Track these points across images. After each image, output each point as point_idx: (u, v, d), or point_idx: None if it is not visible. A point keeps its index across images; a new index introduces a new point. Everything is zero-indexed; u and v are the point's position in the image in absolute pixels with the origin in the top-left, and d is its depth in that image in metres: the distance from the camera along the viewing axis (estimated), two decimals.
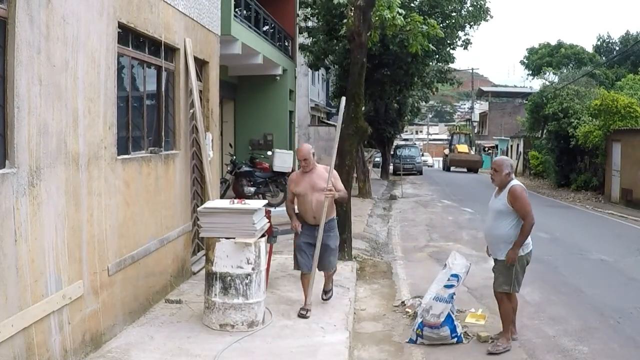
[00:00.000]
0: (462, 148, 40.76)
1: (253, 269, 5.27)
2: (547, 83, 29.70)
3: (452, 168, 39.75)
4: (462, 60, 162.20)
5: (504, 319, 5.32)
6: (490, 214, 5.33)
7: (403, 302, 6.71)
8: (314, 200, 5.74)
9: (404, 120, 30.62)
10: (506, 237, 5.13)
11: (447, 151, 43.52)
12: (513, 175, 5.25)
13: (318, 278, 6.11)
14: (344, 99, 5.53)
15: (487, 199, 5.54)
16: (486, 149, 47.45)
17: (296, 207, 6.02)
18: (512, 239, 5.09)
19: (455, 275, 5.50)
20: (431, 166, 50.32)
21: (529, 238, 5.18)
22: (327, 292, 6.34)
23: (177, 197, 6.71)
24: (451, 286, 5.45)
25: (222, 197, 10.60)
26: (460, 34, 20.14)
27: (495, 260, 5.33)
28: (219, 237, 5.29)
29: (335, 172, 5.97)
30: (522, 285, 7.62)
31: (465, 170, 38.93)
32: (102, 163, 4.78)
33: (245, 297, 5.25)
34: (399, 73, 19.24)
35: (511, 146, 38.90)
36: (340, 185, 5.97)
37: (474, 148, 45.32)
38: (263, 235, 5.57)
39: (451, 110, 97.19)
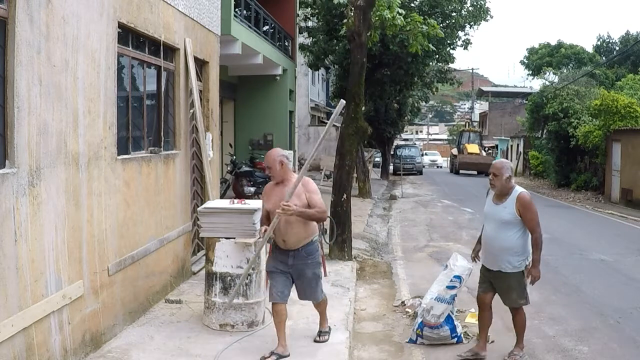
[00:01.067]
0: (473, 148, 35.21)
1: (253, 269, 5.27)
2: (547, 83, 29.67)
3: (462, 171, 34.45)
4: (462, 60, 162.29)
5: (519, 330, 5.06)
6: (493, 223, 4.84)
7: (403, 302, 6.71)
8: (282, 219, 4.58)
9: (404, 120, 30.59)
10: (514, 248, 4.75)
11: (455, 151, 37.92)
12: (513, 180, 4.87)
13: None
14: (342, 101, 4.73)
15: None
16: (486, 149, 46.64)
17: None
18: (519, 250, 4.75)
19: (458, 277, 5.50)
20: (440, 167, 47.11)
21: (529, 247, 4.83)
22: (321, 334, 5.16)
23: (177, 197, 6.71)
24: (453, 287, 5.45)
25: (222, 197, 10.60)
26: (460, 34, 20.13)
27: (499, 272, 4.86)
28: (219, 237, 5.29)
29: (312, 185, 4.73)
30: None
31: (475, 173, 33.67)
32: (102, 163, 4.78)
33: (245, 297, 5.25)
34: (399, 73, 19.23)
35: (511, 146, 38.88)
36: (317, 201, 4.63)
37: (485, 149, 40.81)
38: None
39: (451, 110, 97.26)
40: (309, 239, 4.77)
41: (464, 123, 66.49)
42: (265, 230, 4.66)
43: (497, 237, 4.79)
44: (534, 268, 4.76)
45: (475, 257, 5.30)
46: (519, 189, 4.77)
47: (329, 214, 4.91)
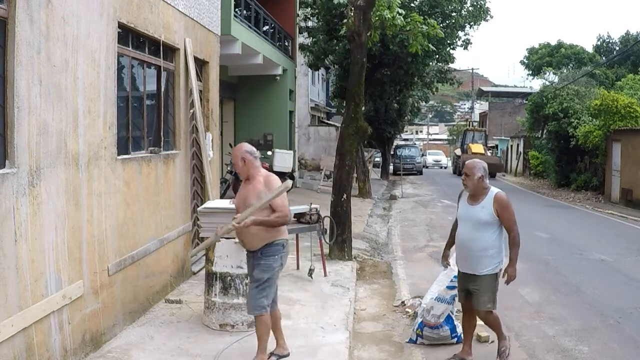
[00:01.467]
0: (477, 148, 32.84)
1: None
2: (547, 83, 29.67)
3: None
4: (462, 60, 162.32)
5: (496, 329, 4.91)
6: (468, 223, 4.70)
7: (403, 302, 6.71)
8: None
9: (404, 120, 30.60)
10: (489, 249, 4.61)
11: (458, 152, 36.05)
12: (487, 180, 4.72)
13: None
14: (287, 183, 4.41)
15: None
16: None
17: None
18: (493, 251, 4.62)
19: None
20: (445, 167, 44.81)
21: (504, 248, 4.73)
22: None
23: (177, 197, 6.71)
24: (454, 287, 5.44)
25: (222, 197, 10.60)
26: (460, 34, 20.14)
27: (473, 275, 4.71)
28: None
29: (276, 182, 4.43)
30: (522, 285, 7.71)
31: None
32: (102, 163, 4.78)
33: (245, 297, 5.25)
34: (399, 73, 19.24)
35: (511, 146, 38.86)
36: (279, 204, 4.35)
37: (492, 150, 38.77)
38: None
39: (451, 110, 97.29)
40: (269, 241, 4.41)
41: (464, 122, 66.44)
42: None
43: (474, 238, 4.64)
44: (510, 267, 4.67)
45: (446, 262, 5.19)
46: (494, 189, 4.68)
47: (292, 217, 4.52)
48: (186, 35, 6.95)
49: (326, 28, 18.21)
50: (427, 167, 42.31)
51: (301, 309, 5.99)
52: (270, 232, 4.43)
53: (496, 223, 4.63)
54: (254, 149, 4.58)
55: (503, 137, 42.49)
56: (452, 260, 5.76)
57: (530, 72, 42.90)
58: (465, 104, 79.03)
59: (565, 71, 33.33)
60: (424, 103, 35.96)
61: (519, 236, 4.66)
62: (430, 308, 5.41)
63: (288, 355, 4.68)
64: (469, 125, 45.83)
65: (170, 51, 6.69)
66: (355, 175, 14.75)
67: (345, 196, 8.66)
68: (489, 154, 33.78)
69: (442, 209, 16.82)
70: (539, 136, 30.26)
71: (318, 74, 31.40)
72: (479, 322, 6.00)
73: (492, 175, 30.84)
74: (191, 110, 7.20)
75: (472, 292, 4.78)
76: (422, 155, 44.41)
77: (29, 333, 3.77)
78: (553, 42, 43.14)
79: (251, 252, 4.49)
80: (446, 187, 24.91)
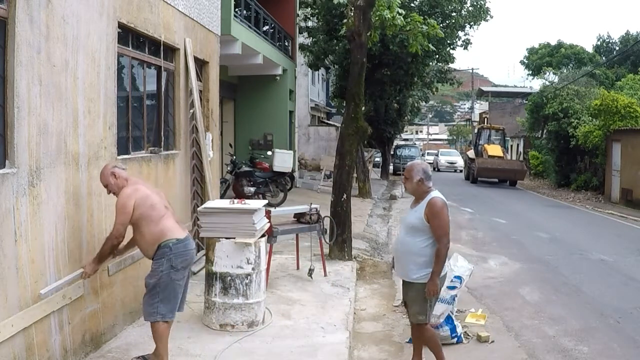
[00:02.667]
0: (495, 150, 27.01)
1: (253, 269, 5.27)
2: (547, 83, 29.69)
3: (481, 178, 26.35)
4: (462, 60, 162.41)
5: (433, 349, 4.57)
6: (403, 227, 4.55)
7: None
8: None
9: (404, 120, 30.57)
10: (417, 256, 4.32)
11: (471, 154, 29.11)
12: (430, 183, 4.46)
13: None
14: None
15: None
16: None
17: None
18: (424, 259, 4.29)
19: (458, 277, 5.50)
20: (461, 171, 35.04)
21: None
22: None
23: (177, 197, 6.71)
24: (453, 287, 5.45)
25: (222, 197, 10.60)
26: (460, 34, 20.15)
27: (404, 282, 4.52)
28: (219, 237, 5.29)
29: (120, 201, 4.17)
30: (522, 285, 7.71)
31: (496, 181, 26.64)
32: (102, 163, 4.77)
33: (245, 297, 5.25)
34: (399, 73, 19.24)
35: (511, 146, 38.87)
36: (115, 222, 4.18)
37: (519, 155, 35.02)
38: (263, 235, 5.57)
39: (451, 110, 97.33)
40: (155, 245, 4.23)
41: (464, 122, 66.40)
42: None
43: (403, 242, 4.46)
44: (430, 281, 4.25)
45: (392, 266, 5.02)
46: (433, 194, 4.39)
47: (119, 233, 4.12)
48: (186, 35, 6.95)
49: (326, 28, 18.21)
50: (439, 170, 37.03)
51: (301, 309, 5.98)
52: (143, 242, 4.27)
53: (428, 230, 4.30)
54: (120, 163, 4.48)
55: None
56: (452, 260, 5.77)
57: (530, 72, 42.94)
58: (465, 104, 79.03)
59: (565, 71, 33.35)
60: (424, 103, 35.95)
61: (446, 250, 4.28)
62: None
63: None
64: (484, 123, 39.55)
65: (170, 51, 6.69)
66: (355, 175, 14.75)
67: (345, 196, 8.66)
68: (508, 157, 29.10)
69: None
70: (539, 136, 30.26)
71: (318, 74, 31.41)
72: (479, 322, 6.03)
73: (512, 183, 25.81)
74: (191, 110, 7.20)
75: (406, 301, 4.56)
76: (434, 155, 43.17)
77: (29, 333, 3.77)
78: (553, 42, 43.22)
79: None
80: (446, 187, 24.86)
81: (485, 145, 27.60)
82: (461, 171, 34.04)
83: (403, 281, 4.55)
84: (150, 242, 4.25)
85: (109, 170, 4.30)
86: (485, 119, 52.01)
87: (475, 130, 33.82)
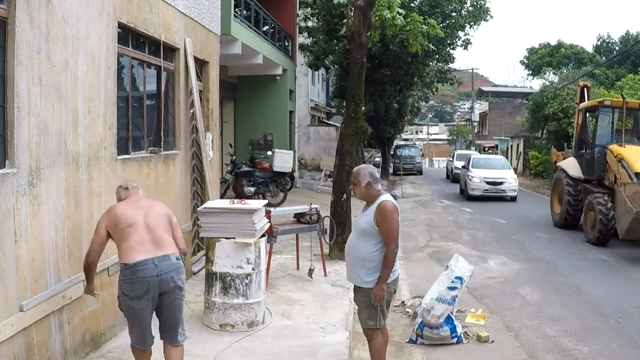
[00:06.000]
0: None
1: (253, 269, 5.27)
2: (547, 83, 29.70)
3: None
4: (462, 60, 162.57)
5: (375, 357, 4.35)
6: (354, 231, 4.41)
7: (403, 302, 6.71)
8: None
9: (404, 120, 30.61)
10: (366, 261, 4.16)
11: (572, 168, 12.88)
12: (380, 186, 4.30)
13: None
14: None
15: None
16: (486, 149, 46.20)
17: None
18: (373, 264, 4.14)
19: (459, 278, 5.51)
20: (512, 197, 18.73)
21: (396, 263, 4.25)
22: None
23: (177, 197, 6.71)
24: (454, 288, 5.46)
25: (222, 197, 10.60)
26: (460, 34, 20.18)
27: (355, 287, 4.35)
28: (219, 237, 5.29)
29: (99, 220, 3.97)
30: (522, 285, 7.71)
31: None
32: (102, 163, 4.78)
33: (245, 297, 5.25)
34: (399, 73, 19.25)
35: (511, 146, 38.88)
36: (92, 238, 3.92)
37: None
38: (263, 235, 5.57)
39: (451, 110, 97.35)
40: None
41: (464, 123, 66.34)
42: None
43: (353, 246, 4.30)
44: (377, 285, 4.10)
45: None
46: (383, 197, 4.22)
47: (92, 259, 3.83)
48: (186, 35, 6.95)
49: (326, 28, 18.23)
50: (473, 194, 18.58)
51: (301, 309, 5.98)
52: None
53: (377, 235, 4.16)
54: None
55: (503, 137, 42.50)
56: (452, 260, 5.77)
57: (530, 72, 42.94)
58: (465, 104, 79.03)
59: (565, 71, 33.36)
60: (424, 103, 35.96)
61: (394, 255, 4.13)
62: (430, 308, 5.42)
63: None
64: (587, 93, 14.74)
65: (170, 51, 6.69)
66: None
67: (345, 196, 8.66)
68: None
69: (442, 209, 16.81)
70: (539, 136, 30.27)
71: (318, 74, 31.40)
72: (479, 322, 6.03)
73: None
74: (191, 110, 7.20)
75: (357, 305, 4.42)
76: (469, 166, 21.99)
77: (29, 333, 3.77)
78: (553, 42, 43.22)
79: None
80: (446, 188, 24.90)
81: (618, 149, 11.48)
82: (513, 197, 18.56)
83: (354, 286, 4.37)
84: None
85: (116, 189, 4.19)
86: (485, 120, 51.53)
87: (581, 112, 13.50)
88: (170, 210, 4.10)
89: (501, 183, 18.56)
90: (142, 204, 3.98)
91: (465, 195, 19.11)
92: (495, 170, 19.36)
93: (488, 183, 18.46)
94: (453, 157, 29.10)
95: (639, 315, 6.42)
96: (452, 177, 27.20)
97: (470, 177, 18.89)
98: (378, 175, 4.35)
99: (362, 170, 4.28)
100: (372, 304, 4.15)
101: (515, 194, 18.65)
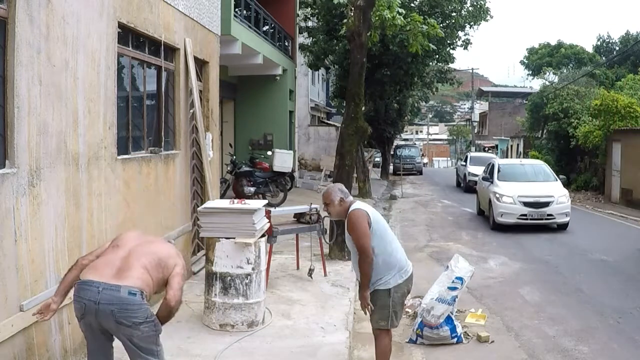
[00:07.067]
0: None
1: (253, 269, 5.27)
2: (547, 83, 29.71)
3: None
4: (462, 60, 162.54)
5: (380, 358, 4.34)
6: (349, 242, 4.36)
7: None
8: None
9: (404, 120, 30.61)
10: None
11: None
12: (351, 198, 4.32)
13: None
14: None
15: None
16: (486, 149, 46.06)
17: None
18: (375, 268, 4.13)
19: (460, 278, 5.51)
20: (564, 225, 12.22)
21: (404, 264, 4.26)
22: None
23: (177, 197, 6.71)
24: (455, 288, 5.46)
25: (222, 197, 10.60)
26: (460, 34, 20.18)
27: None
28: (219, 237, 5.29)
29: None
30: (522, 285, 7.71)
31: None
32: (102, 163, 4.78)
33: (245, 297, 5.25)
34: (399, 73, 19.25)
35: (511, 146, 38.88)
36: None
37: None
38: (263, 235, 5.57)
39: (451, 110, 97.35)
40: None
41: (464, 123, 66.34)
42: None
43: (353, 258, 4.33)
44: (360, 290, 4.17)
45: None
46: (352, 207, 4.20)
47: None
48: (186, 36, 6.95)
49: (326, 28, 18.22)
50: (501, 224, 12.11)
51: (301, 309, 5.98)
52: None
53: None
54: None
55: (503, 137, 42.51)
56: (453, 261, 5.77)
57: (530, 72, 42.95)
58: (465, 104, 79.03)
59: (565, 71, 33.37)
60: (424, 103, 36.03)
61: (367, 265, 4.07)
62: (430, 308, 5.42)
63: None
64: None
65: (170, 51, 6.69)
66: (355, 175, 14.76)
67: None
68: None
69: (442, 209, 16.81)
70: (539, 136, 30.26)
71: (318, 74, 31.40)
72: (479, 322, 6.03)
73: None
74: (191, 110, 7.20)
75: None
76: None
77: (29, 333, 3.77)
78: (553, 42, 43.27)
79: None
80: (446, 188, 24.90)
81: None
82: (563, 226, 12.38)
83: None
84: None
85: None
86: (485, 120, 51.29)
87: None
88: (176, 257, 3.51)
89: (547, 204, 11.93)
90: (149, 238, 3.67)
91: (491, 222, 12.46)
92: (535, 183, 12.97)
93: (527, 205, 11.92)
94: (466, 161, 23.42)
95: (639, 315, 6.42)
96: (466, 185, 21.65)
97: (498, 196, 12.22)
98: (346, 190, 4.38)
99: (331, 189, 4.32)
100: (383, 305, 4.17)
101: (566, 219, 12.11)
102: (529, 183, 12.94)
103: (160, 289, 3.43)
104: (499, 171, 13.52)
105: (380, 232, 4.18)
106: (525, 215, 11.91)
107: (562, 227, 12.22)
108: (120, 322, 3.14)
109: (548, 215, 11.98)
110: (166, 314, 3.36)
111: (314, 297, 6.44)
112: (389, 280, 4.16)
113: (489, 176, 13.64)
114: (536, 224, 11.99)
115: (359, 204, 4.27)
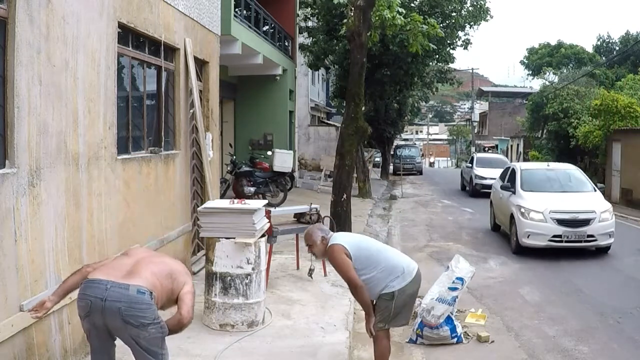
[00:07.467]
0: None
1: (253, 269, 5.27)
2: (547, 83, 29.72)
3: None
4: (462, 60, 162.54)
5: (380, 359, 4.38)
6: None
7: None
8: None
9: (404, 120, 30.60)
10: (368, 282, 4.21)
11: None
12: (330, 233, 4.38)
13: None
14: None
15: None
16: (486, 149, 46.04)
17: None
18: (370, 285, 4.19)
19: (460, 279, 5.51)
20: (607, 248, 9.80)
21: (406, 266, 4.29)
22: None
23: (177, 197, 6.71)
24: (455, 289, 5.46)
25: (222, 197, 10.60)
26: (460, 34, 20.14)
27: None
28: (219, 237, 5.29)
29: None
30: (522, 285, 7.71)
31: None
32: (102, 163, 4.78)
33: (245, 297, 5.25)
34: (399, 73, 19.24)
35: (511, 146, 38.90)
36: None
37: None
38: (263, 235, 5.57)
39: (451, 110, 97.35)
40: None
41: (464, 123, 66.34)
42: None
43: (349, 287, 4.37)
44: (366, 322, 4.26)
45: None
46: (330, 243, 4.25)
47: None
48: (186, 36, 6.95)
49: (326, 28, 18.21)
50: (527, 247, 9.61)
51: (301, 309, 5.98)
52: None
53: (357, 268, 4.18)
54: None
55: (503, 137, 42.54)
56: (453, 261, 5.78)
57: (530, 72, 42.99)
58: (465, 104, 79.03)
59: (565, 71, 33.40)
60: (424, 103, 36.01)
61: (358, 293, 4.16)
62: (430, 308, 5.42)
63: None
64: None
65: (170, 51, 6.69)
66: (355, 175, 14.76)
67: (345, 196, 8.67)
68: None
69: (442, 209, 16.81)
70: (539, 136, 30.29)
71: (318, 74, 31.39)
72: (479, 322, 6.03)
73: None
74: (191, 110, 7.20)
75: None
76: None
77: (29, 333, 3.77)
78: (553, 42, 43.34)
79: None
80: (446, 188, 24.89)
81: None
82: (605, 249, 9.85)
83: None
84: None
85: None
86: (485, 120, 51.28)
87: None
88: (185, 275, 3.47)
89: (587, 222, 9.42)
90: (160, 254, 3.70)
91: (512, 244, 10.00)
92: (569, 194, 10.39)
93: (561, 223, 9.42)
94: (472, 162, 21.23)
95: (639, 315, 6.42)
96: (472, 189, 19.88)
97: (523, 211, 9.75)
98: (326, 228, 4.50)
99: (311, 230, 4.40)
100: (384, 308, 4.22)
101: (609, 241, 9.63)
102: (562, 194, 10.31)
103: (167, 303, 3.41)
104: (522, 179, 10.72)
105: (365, 255, 4.23)
106: (560, 236, 9.35)
107: (604, 250, 9.74)
108: (128, 321, 3.07)
109: (588, 236, 9.39)
110: (177, 328, 3.37)
111: (314, 297, 6.44)
112: (393, 284, 4.21)
113: (509, 184, 10.90)
114: (573, 247, 9.48)
115: (335, 238, 4.31)
